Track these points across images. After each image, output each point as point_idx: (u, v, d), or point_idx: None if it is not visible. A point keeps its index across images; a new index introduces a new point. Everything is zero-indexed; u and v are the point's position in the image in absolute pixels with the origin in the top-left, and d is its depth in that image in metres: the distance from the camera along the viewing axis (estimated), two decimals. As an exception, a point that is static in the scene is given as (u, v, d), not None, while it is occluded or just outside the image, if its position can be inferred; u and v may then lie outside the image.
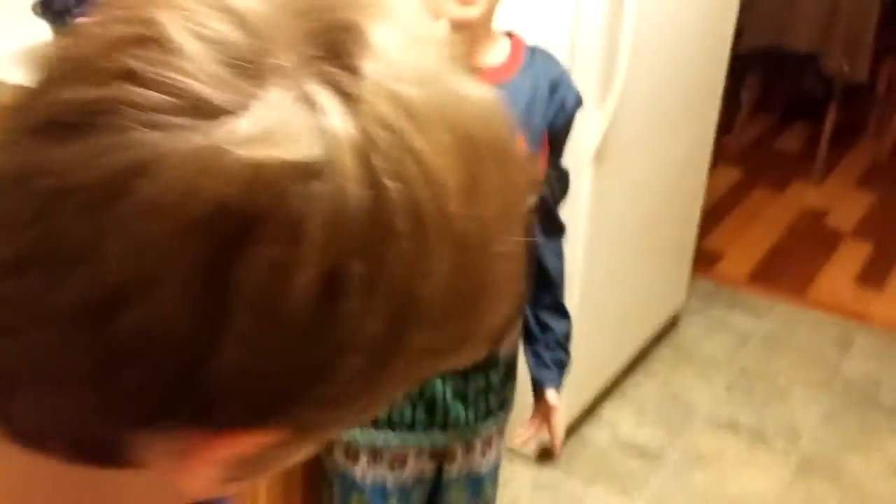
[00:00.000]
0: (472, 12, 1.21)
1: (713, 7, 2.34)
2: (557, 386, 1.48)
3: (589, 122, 1.88)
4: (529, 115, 1.32)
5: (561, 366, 1.49)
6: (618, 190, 2.10)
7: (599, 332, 2.26)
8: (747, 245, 3.35)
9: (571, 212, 1.95)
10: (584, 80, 1.84)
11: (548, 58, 1.40)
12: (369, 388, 0.38)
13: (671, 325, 2.81)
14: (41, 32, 1.54)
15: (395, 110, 0.35)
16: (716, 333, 2.85)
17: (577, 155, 1.92)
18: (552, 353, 1.48)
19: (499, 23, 1.32)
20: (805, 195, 3.74)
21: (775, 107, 4.38)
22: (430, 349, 0.39)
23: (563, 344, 1.49)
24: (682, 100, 2.32)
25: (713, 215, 3.39)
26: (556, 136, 1.39)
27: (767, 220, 3.54)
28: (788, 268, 3.22)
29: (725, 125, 3.41)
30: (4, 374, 0.37)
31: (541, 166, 1.36)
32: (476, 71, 1.30)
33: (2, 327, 0.36)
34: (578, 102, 1.40)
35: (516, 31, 1.37)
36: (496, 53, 1.32)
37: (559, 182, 1.45)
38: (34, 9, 1.47)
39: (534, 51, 1.38)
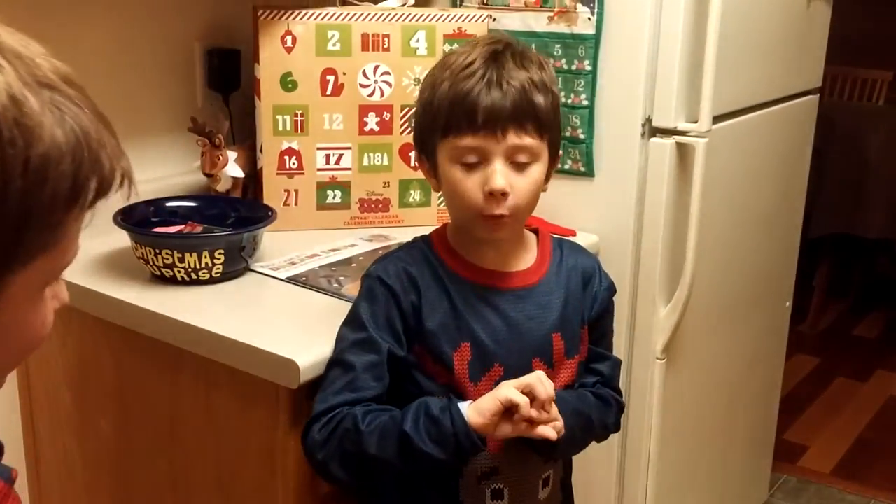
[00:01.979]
0: (502, 234, 1.25)
1: (781, 194, 2.35)
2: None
3: (658, 317, 1.87)
4: (565, 319, 1.32)
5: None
6: (689, 384, 2.06)
7: (679, 533, 2.16)
8: (831, 437, 3.23)
9: (642, 407, 1.92)
10: (650, 276, 1.85)
11: (576, 249, 1.41)
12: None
13: (755, 524, 2.67)
14: (121, 241, 1.60)
15: None
16: (804, 532, 2.71)
17: (647, 350, 1.89)
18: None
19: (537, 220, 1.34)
20: (890, 384, 3.61)
21: (849, 292, 4.31)
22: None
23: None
24: (754, 289, 2.29)
25: (793, 407, 3.28)
26: (595, 327, 1.38)
27: (851, 410, 3.42)
28: (877, 461, 3.07)
29: (799, 313, 3.36)
30: None
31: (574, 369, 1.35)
32: (508, 276, 1.28)
33: None
34: (612, 290, 1.40)
35: (541, 225, 1.39)
36: (527, 256, 1.33)
37: (610, 370, 1.42)
38: (114, 219, 1.53)
39: (561, 244, 1.39)
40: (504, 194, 1.20)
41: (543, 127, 1.23)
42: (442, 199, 1.87)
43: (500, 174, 1.20)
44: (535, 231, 1.37)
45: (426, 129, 1.27)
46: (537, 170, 1.24)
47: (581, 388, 1.37)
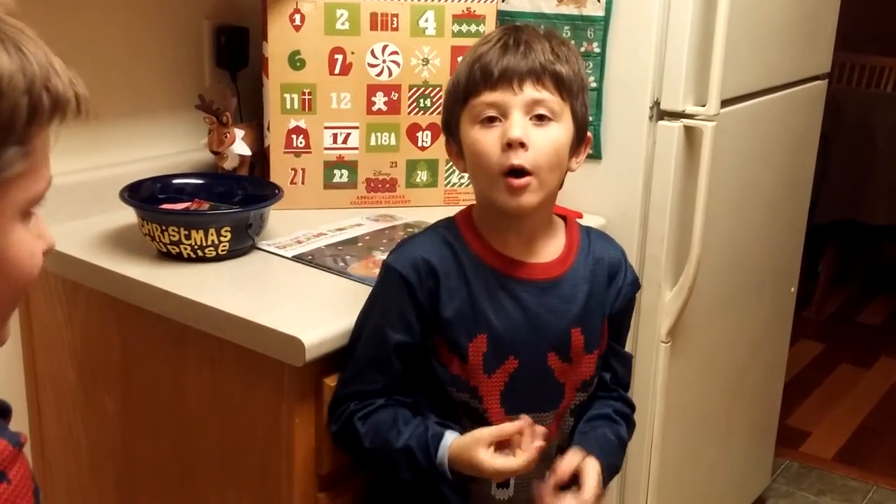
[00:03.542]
0: (525, 200, 1.22)
1: (788, 179, 2.34)
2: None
3: (663, 301, 1.87)
4: (587, 314, 1.30)
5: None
6: (694, 368, 2.06)
7: (680, 517, 2.17)
8: (834, 423, 3.23)
9: (646, 391, 1.92)
10: (656, 260, 1.85)
11: (604, 240, 1.38)
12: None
13: (757, 509, 2.68)
14: (128, 218, 1.60)
15: None
16: (805, 517, 2.71)
17: (652, 333, 1.90)
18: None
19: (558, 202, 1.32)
20: (894, 371, 3.61)
21: (855, 279, 4.31)
22: None
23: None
24: (759, 274, 2.29)
25: (796, 392, 3.29)
26: (613, 322, 1.36)
27: (855, 396, 3.42)
28: (879, 447, 3.08)
29: (804, 299, 3.36)
30: None
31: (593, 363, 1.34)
32: (533, 267, 1.28)
33: None
34: (636, 286, 1.39)
35: (571, 211, 1.37)
36: (554, 243, 1.31)
37: (623, 368, 1.42)
38: (121, 195, 1.53)
39: (589, 233, 1.37)
40: (522, 144, 1.18)
41: (564, 88, 1.22)
42: (449, 179, 1.87)
43: (517, 125, 1.19)
44: (564, 218, 1.35)
45: (450, 108, 1.27)
46: (558, 130, 1.22)
47: (596, 419, 1.37)
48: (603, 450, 1.31)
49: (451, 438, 1.22)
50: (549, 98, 1.21)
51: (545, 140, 1.20)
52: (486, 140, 1.21)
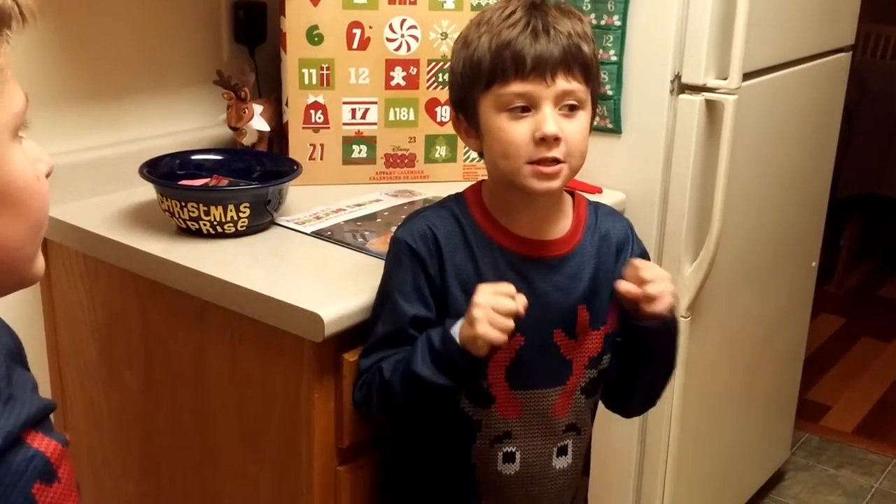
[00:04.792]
0: (554, 185, 1.22)
1: (810, 153, 2.32)
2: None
3: (683, 276, 1.86)
4: (593, 290, 1.29)
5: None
6: (715, 342, 2.05)
7: (697, 490, 2.17)
8: (854, 397, 3.22)
9: (667, 366, 1.91)
10: (676, 235, 1.84)
11: (611, 216, 1.37)
12: None
13: (775, 482, 2.68)
14: (147, 194, 1.61)
15: None
16: (824, 491, 2.71)
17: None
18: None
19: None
20: (914, 345, 3.60)
21: (877, 253, 4.28)
22: None
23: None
24: (780, 248, 2.28)
25: (817, 366, 3.27)
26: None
27: (875, 370, 3.40)
28: (900, 422, 3.07)
29: (825, 273, 3.34)
30: None
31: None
32: (541, 245, 1.27)
33: None
34: (644, 258, 1.37)
35: (591, 186, 1.36)
36: (563, 221, 1.31)
37: None
38: (140, 171, 1.54)
39: (597, 208, 1.36)
40: (556, 139, 1.18)
41: (590, 74, 1.22)
42: (468, 155, 1.86)
43: (551, 119, 1.18)
44: (572, 194, 1.34)
45: (465, 85, 1.24)
46: (585, 117, 1.22)
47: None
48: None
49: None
50: (578, 87, 1.20)
51: (576, 130, 1.21)
52: (517, 132, 1.20)
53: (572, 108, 1.21)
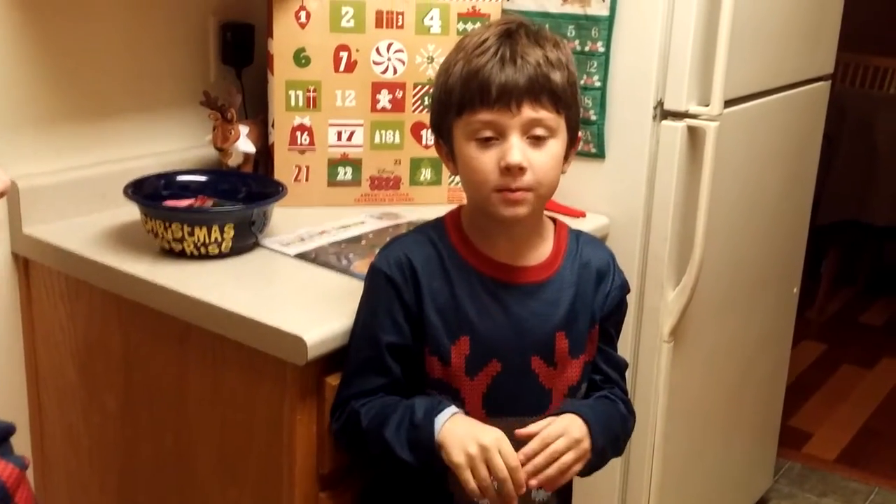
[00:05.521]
0: (521, 211, 1.21)
1: (791, 180, 2.34)
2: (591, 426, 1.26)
3: (666, 300, 1.86)
4: (571, 318, 1.29)
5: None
6: (697, 367, 2.05)
7: (682, 517, 2.17)
8: (836, 424, 3.22)
9: (648, 390, 1.92)
10: (659, 259, 1.85)
11: (593, 244, 1.37)
12: None
13: (758, 509, 2.68)
14: (131, 214, 1.60)
15: None
16: (807, 518, 2.71)
17: (654, 333, 1.89)
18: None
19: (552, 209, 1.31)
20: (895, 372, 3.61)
21: (857, 280, 4.31)
22: None
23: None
24: (762, 274, 2.29)
25: (799, 393, 3.28)
26: (605, 326, 1.35)
27: (857, 398, 3.41)
28: (882, 449, 3.07)
29: (806, 299, 3.35)
30: None
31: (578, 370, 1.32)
32: (519, 271, 1.26)
33: None
34: (624, 289, 1.37)
35: (574, 211, 1.35)
36: (542, 247, 1.30)
37: (616, 372, 1.40)
38: (125, 191, 1.53)
39: (578, 236, 1.35)
40: (521, 169, 1.18)
41: (560, 102, 1.21)
42: (453, 178, 1.87)
43: (516, 149, 1.18)
44: (554, 221, 1.34)
45: (442, 111, 1.25)
46: (556, 146, 1.22)
47: (596, 392, 1.35)
48: (593, 408, 1.29)
49: (458, 410, 1.23)
50: (546, 116, 1.20)
51: (544, 160, 1.20)
52: (483, 160, 1.20)
53: (539, 138, 1.20)
